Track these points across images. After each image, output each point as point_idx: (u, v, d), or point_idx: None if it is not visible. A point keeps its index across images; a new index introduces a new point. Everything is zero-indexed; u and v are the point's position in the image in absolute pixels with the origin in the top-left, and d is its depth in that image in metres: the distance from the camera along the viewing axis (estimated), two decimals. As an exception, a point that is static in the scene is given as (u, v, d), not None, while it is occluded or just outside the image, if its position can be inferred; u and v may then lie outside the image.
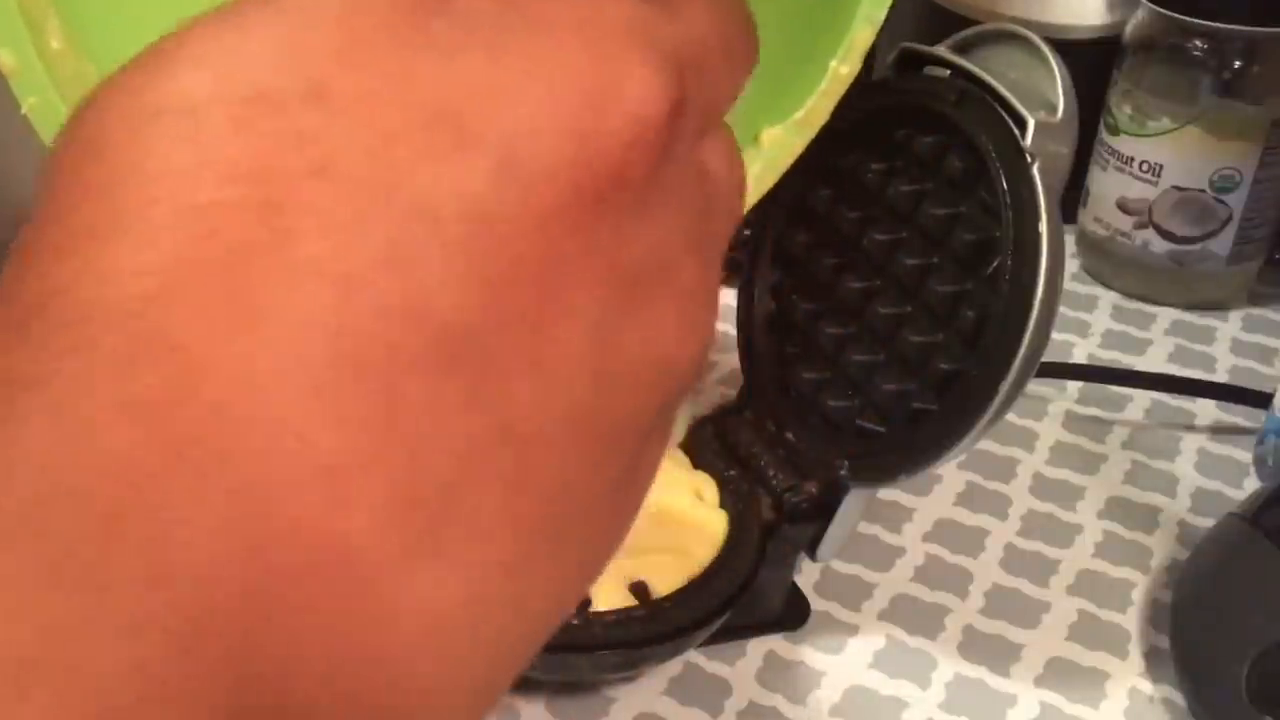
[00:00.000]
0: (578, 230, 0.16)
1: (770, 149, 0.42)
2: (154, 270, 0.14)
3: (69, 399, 0.14)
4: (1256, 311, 0.67)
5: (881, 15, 0.39)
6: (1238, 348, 0.64)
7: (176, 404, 0.14)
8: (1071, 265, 0.69)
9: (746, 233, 0.50)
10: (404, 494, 0.15)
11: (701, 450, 0.49)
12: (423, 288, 0.15)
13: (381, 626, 0.15)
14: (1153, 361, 0.63)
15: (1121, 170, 0.65)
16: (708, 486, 0.47)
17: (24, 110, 0.38)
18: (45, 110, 0.38)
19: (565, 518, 0.17)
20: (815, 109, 0.41)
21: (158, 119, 0.15)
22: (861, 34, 0.39)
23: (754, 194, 0.43)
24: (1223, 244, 0.65)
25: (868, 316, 0.46)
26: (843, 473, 0.44)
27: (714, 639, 0.45)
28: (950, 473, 0.55)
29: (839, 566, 0.50)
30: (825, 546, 0.46)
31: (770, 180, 0.42)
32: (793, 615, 0.48)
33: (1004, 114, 0.41)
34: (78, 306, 0.14)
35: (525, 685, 0.45)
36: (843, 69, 0.40)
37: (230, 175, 0.14)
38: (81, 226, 0.15)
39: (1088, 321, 0.66)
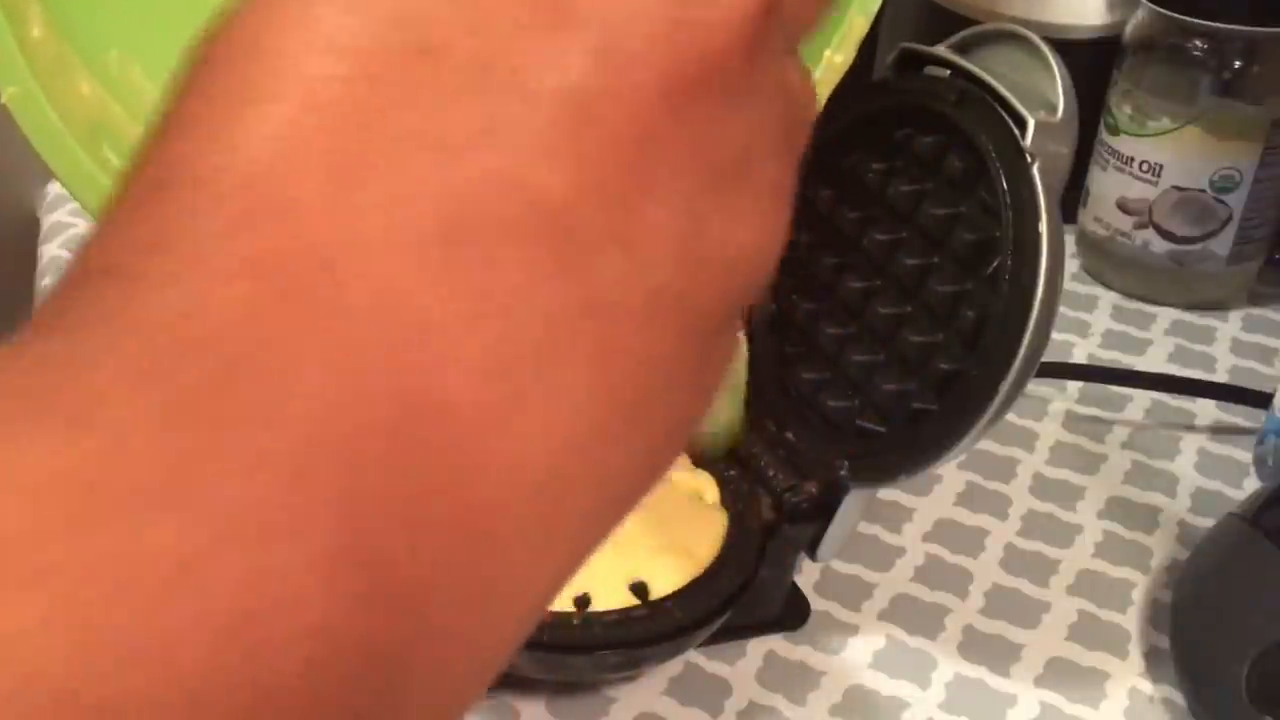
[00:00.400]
0: (671, 114, 0.17)
1: None
2: (271, 137, 0.15)
3: (192, 256, 0.15)
4: (1256, 311, 0.67)
5: (875, 6, 0.39)
6: (1238, 348, 0.64)
7: (290, 260, 0.15)
8: (1071, 265, 0.69)
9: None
10: (496, 356, 0.15)
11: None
12: (518, 159, 0.16)
13: (471, 477, 0.15)
14: (1153, 361, 0.63)
15: (1121, 170, 0.65)
16: (708, 486, 0.47)
17: (3, 99, 0.38)
18: (25, 100, 0.38)
19: (648, 393, 0.17)
20: None
21: (275, 5, 0.16)
22: (856, 23, 0.39)
23: None
24: (1223, 244, 0.65)
25: (868, 316, 0.46)
26: (843, 473, 0.44)
27: (714, 639, 0.45)
28: (950, 473, 0.55)
29: (839, 566, 0.50)
30: (825, 546, 0.46)
31: None
32: (793, 615, 0.48)
33: (1004, 114, 0.41)
34: (203, 172, 0.15)
35: (525, 685, 0.45)
36: (837, 58, 0.40)
37: (339, 52, 0.16)
38: (204, 102, 0.16)
39: (1088, 321, 0.66)
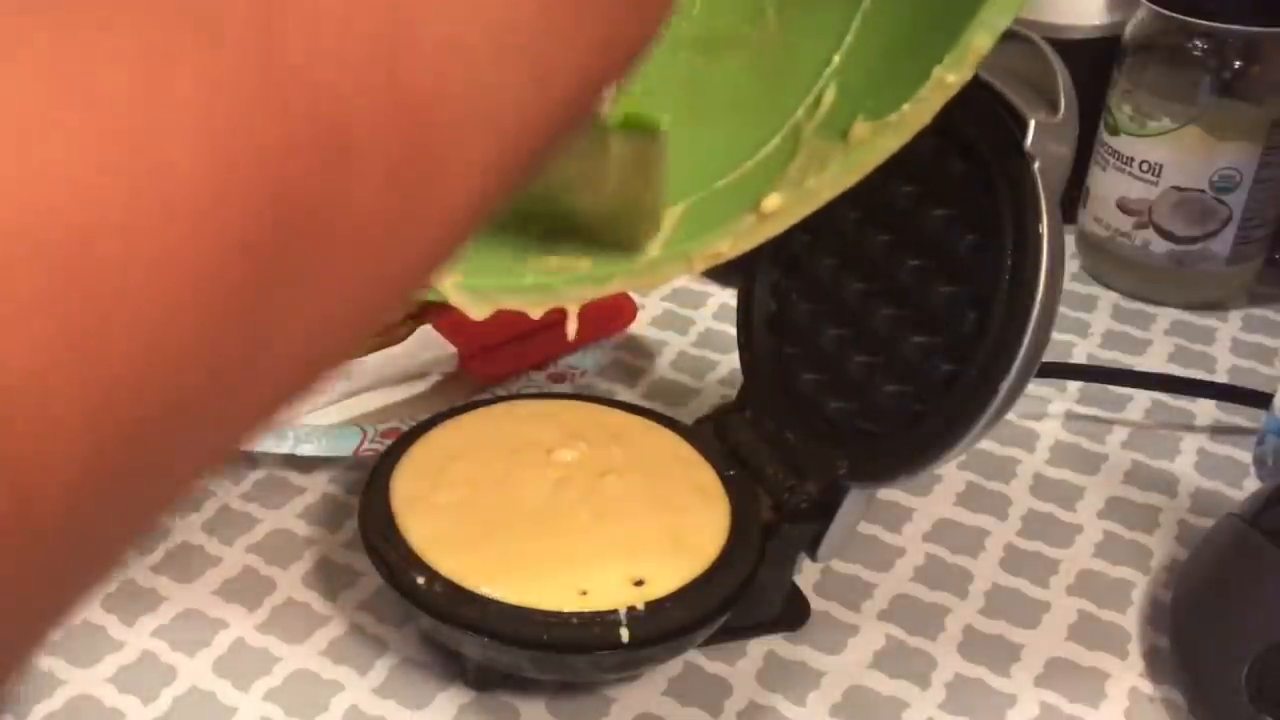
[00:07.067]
0: None
1: (855, 147, 0.37)
2: None
3: None
4: (1256, 311, 0.67)
5: (1004, 24, 0.34)
6: (1238, 348, 0.64)
7: None
8: (1071, 265, 0.69)
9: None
10: None
11: (701, 450, 0.49)
12: None
13: (406, 48, 0.16)
14: (1153, 361, 0.63)
15: (1121, 170, 0.65)
16: (708, 485, 0.47)
17: None
18: None
19: None
20: (911, 114, 0.36)
21: None
22: (977, 40, 0.34)
23: (828, 194, 0.38)
24: (1223, 244, 0.65)
25: (868, 317, 0.46)
26: (843, 473, 0.44)
27: (714, 639, 0.45)
28: (950, 473, 0.55)
29: (839, 566, 0.50)
30: (825, 546, 0.46)
31: (848, 181, 0.37)
32: (793, 615, 0.48)
33: (1004, 114, 0.41)
34: None
35: (525, 685, 0.45)
36: (949, 77, 0.35)
37: None
38: None
39: (1088, 321, 0.66)
